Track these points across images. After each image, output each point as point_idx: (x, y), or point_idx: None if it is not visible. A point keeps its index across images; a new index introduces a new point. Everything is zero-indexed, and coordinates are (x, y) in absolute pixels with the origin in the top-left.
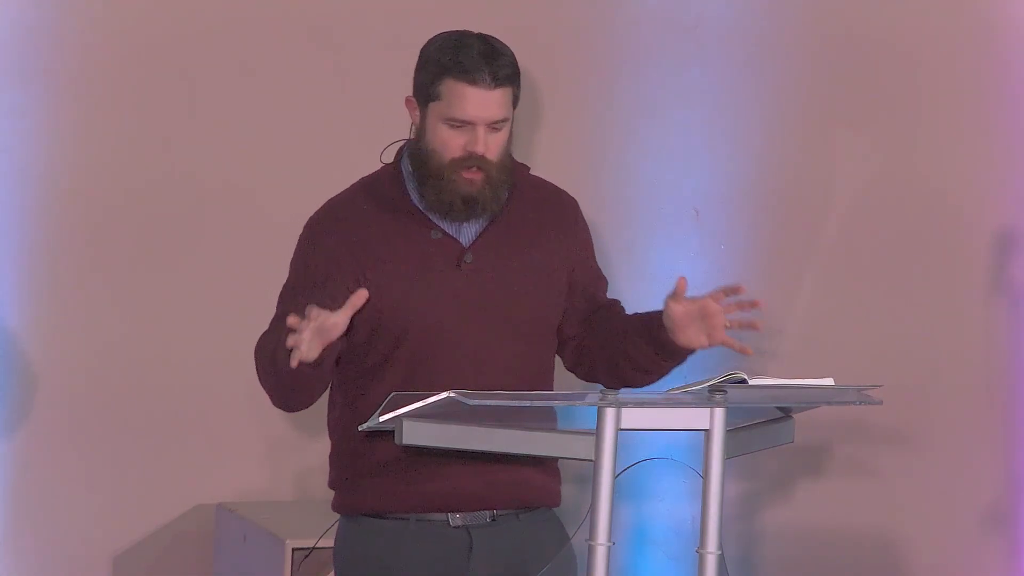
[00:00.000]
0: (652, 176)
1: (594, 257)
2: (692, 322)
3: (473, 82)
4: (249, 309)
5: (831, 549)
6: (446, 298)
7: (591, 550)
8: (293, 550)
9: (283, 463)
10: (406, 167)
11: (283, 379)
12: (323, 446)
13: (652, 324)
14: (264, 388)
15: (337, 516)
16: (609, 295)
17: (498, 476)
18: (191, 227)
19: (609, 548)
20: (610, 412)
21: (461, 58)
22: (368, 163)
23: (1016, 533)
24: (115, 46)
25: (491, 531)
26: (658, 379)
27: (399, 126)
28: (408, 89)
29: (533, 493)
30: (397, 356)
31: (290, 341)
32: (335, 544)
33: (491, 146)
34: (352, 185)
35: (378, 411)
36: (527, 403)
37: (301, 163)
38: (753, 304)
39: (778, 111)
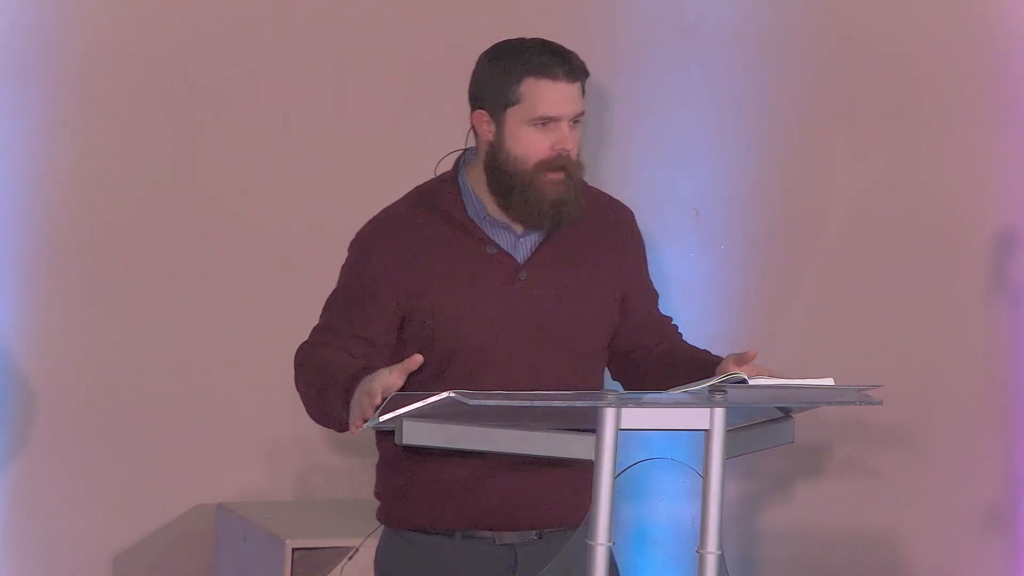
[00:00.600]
0: (652, 176)
1: (647, 270)
2: None
3: (555, 78)
4: (249, 310)
5: (831, 549)
6: (500, 315)
7: (591, 550)
8: (293, 550)
9: (283, 463)
10: (463, 181)
11: (331, 419)
12: (322, 447)
13: (703, 368)
14: (305, 405)
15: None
16: None
17: (545, 494)
18: (191, 228)
19: (609, 548)
20: (610, 412)
21: (537, 58)
22: (368, 177)
23: (1016, 533)
24: (115, 46)
25: (536, 549)
26: None
27: (400, 139)
28: (401, 100)
29: (580, 513)
30: (449, 374)
31: (355, 421)
32: (377, 554)
33: (572, 144)
34: (407, 195)
35: (378, 411)
36: (527, 403)
37: (302, 171)
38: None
39: (778, 111)
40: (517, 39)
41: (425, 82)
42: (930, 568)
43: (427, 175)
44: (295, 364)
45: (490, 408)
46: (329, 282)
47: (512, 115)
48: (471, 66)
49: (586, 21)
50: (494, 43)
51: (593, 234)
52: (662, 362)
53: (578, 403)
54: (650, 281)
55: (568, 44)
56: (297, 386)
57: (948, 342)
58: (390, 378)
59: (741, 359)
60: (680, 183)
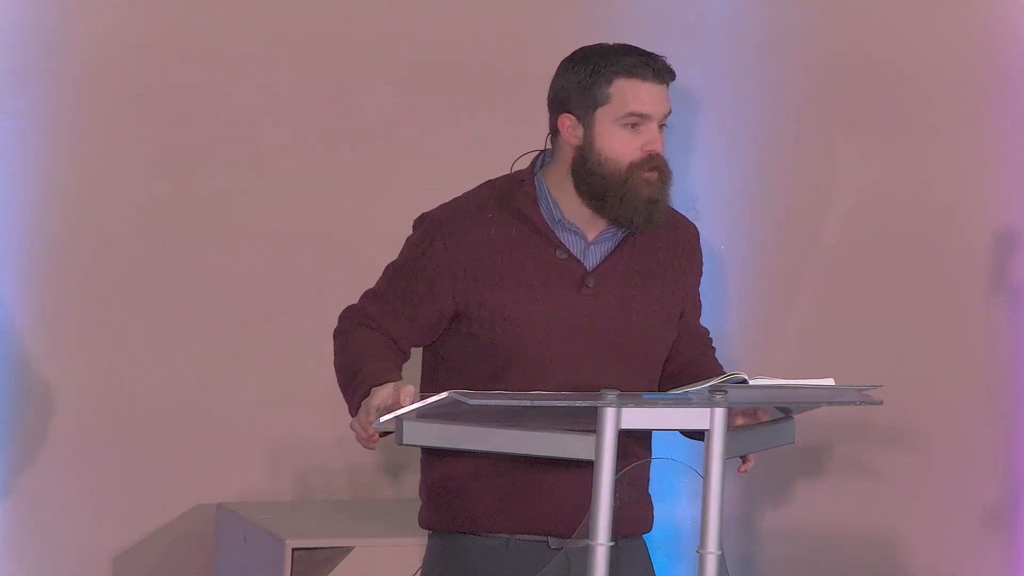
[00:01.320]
0: None
1: (697, 290)
2: None
3: (645, 78)
4: (249, 310)
5: (831, 549)
6: (563, 322)
7: (591, 550)
8: (293, 550)
9: (283, 463)
10: (540, 181)
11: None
12: (322, 447)
13: None
14: (336, 370)
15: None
16: None
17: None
18: (193, 229)
19: (609, 548)
20: (610, 412)
21: (626, 58)
22: (369, 183)
23: (1016, 533)
24: (115, 47)
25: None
26: None
27: (402, 145)
28: (401, 112)
29: (632, 524)
30: (506, 376)
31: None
32: (424, 561)
33: (661, 146)
34: (478, 188)
35: (378, 411)
36: (527, 403)
37: (302, 173)
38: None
39: (778, 111)
40: (599, 44)
41: (428, 88)
42: (930, 568)
43: (433, 181)
44: (338, 328)
45: (490, 408)
46: (328, 285)
47: (601, 116)
48: (480, 71)
49: (586, 21)
50: (575, 49)
51: (661, 249)
52: (685, 372)
53: (578, 403)
54: (699, 294)
55: (567, 45)
56: (335, 346)
57: (948, 342)
58: (393, 397)
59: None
60: (680, 183)
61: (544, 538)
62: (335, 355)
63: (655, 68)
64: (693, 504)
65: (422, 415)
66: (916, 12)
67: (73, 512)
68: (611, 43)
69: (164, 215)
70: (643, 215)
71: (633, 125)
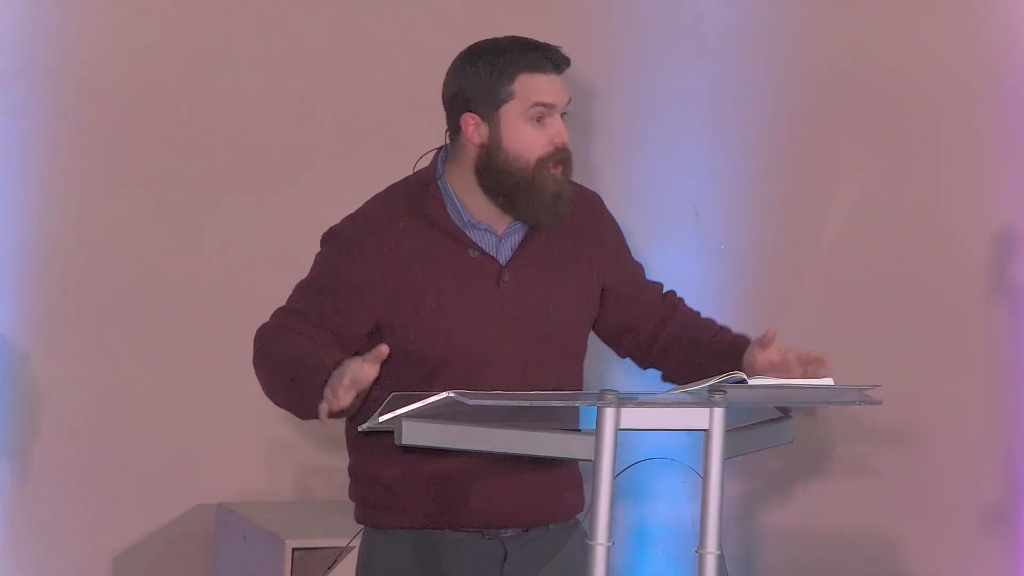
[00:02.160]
0: (652, 176)
1: (626, 248)
2: (770, 372)
3: (545, 70)
4: (249, 310)
5: (831, 549)
6: (486, 319)
7: (590, 550)
8: (293, 550)
9: (283, 463)
10: (444, 184)
11: (299, 404)
12: (322, 447)
13: (729, 358)
14: (264, 385)
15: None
16: None
17: (533, 494)
18: (192, 229)
19: (609, 548)
20: (609, 412)
21: (524, 55)
22: (370, 185)
23: (1016, 533)
24: (115, 46)
25: (524, 539)
26: None
27: (399, 151)
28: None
29: (564, 508)
30: (438, 381)
31: (329, 403)
32: (360, 556)
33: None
34: (384, 195)
35: (378, 411)
36: (527, 403)
37: (302, 173)
38: (822, 363)
39: (778, 111)
40: (489, 40)
41: (425, 80)
42: (930, 568)
43: None
44: (256, 343)
45: (488, 408)
46: None
47: (507, 112)
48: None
49: (586, 21)
50: (466, 46)
51: (568, 228)
52: (682, 347)
53: (578, 403)
54: (631, 257)
55: (568, 44)
56: (257, 365)
57: (948, 342)
58: (363, 367)
59: (764, 343)
60: (680, 183)
61: (479, 530)
62: (262, 365)
63: (554, 60)
64: (693, 504)
65: (421, 415)
66: (915, 13)
67: (73, 512)
68: (501, 37)
69: (164, 215)
70: (550, 212)
71: (539, 118)
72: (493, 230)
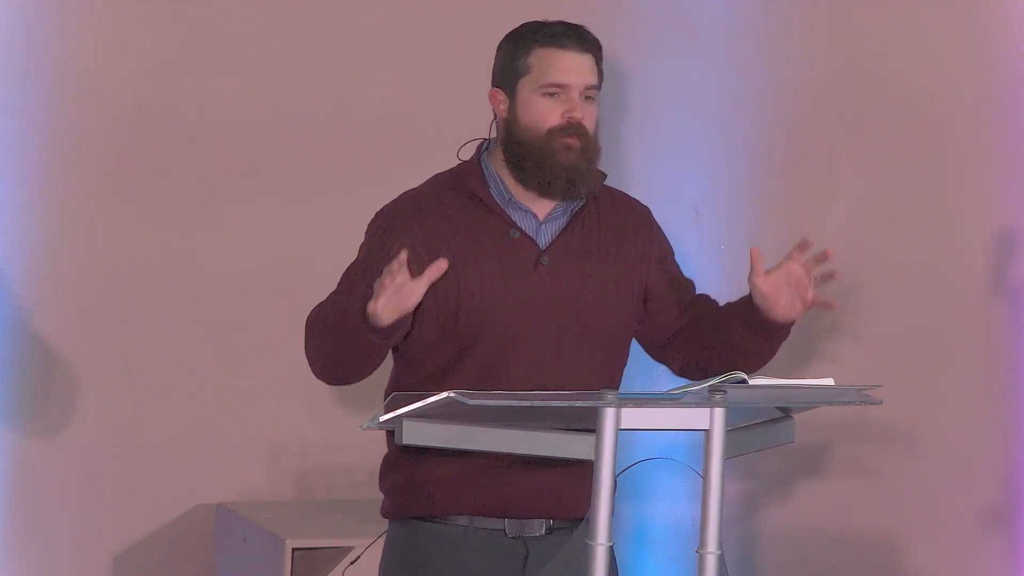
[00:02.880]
0: (652, 176)
1: (673, 261)
2: (782, 293)
3: (563, 46)
4: (249, 310)
5: (831, 549)
6: (521, 300)
7: (590, 550)
8: (293, 550)
9: (283, 463)
10: (487, 164)
11: (347, 343)
12: (322, 447)
13: (746, 309)
14: (315, 358)
15: (385, 523)
16: None
17: (560, 484)
18: (191, 227)
19: (608, 548)
20: (610, 412)
21: (545, 29)
22: (372, 186)
23: (1016, 533)
24: (115, 46)
25: (546, 542)
26: (769, 358)
27: (403, 153)
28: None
29: (587, 505)
30: (470, 358)
31: (377, 292)
32: (384, 550)
33: (586, 116)
34: (429, 180)
35: (379, 411)
36: (527, 403)
37: (301, 173)
38: (826, 255)
39: (778, 111)
40: (529, 22)
41: (429, 77)
42: (930, 568)
43: None
44: (308, 324)
45: (490, 408)
46: (329, 285)
47: (523, 85)
48: (475, 67)
49: (586, 21)
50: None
51: (611, 228)
52: (706, 327)
53: (578, 403)
54: (679, 270)
55: None
56: (307, 347)
57: (948, 342)
58: (412, 280)
59: (754, 271)
60: (680, 183)
61: (501, 521)
62: (310, 340)
63: (575, 38)
64: (693, 504)
65: (421, 415)
66: (915, 13)
67: (73, 512)
68: (543, 20)
69: (163, 215)
70: (562, 183)
71: (553, 94)
72: (533, 212)
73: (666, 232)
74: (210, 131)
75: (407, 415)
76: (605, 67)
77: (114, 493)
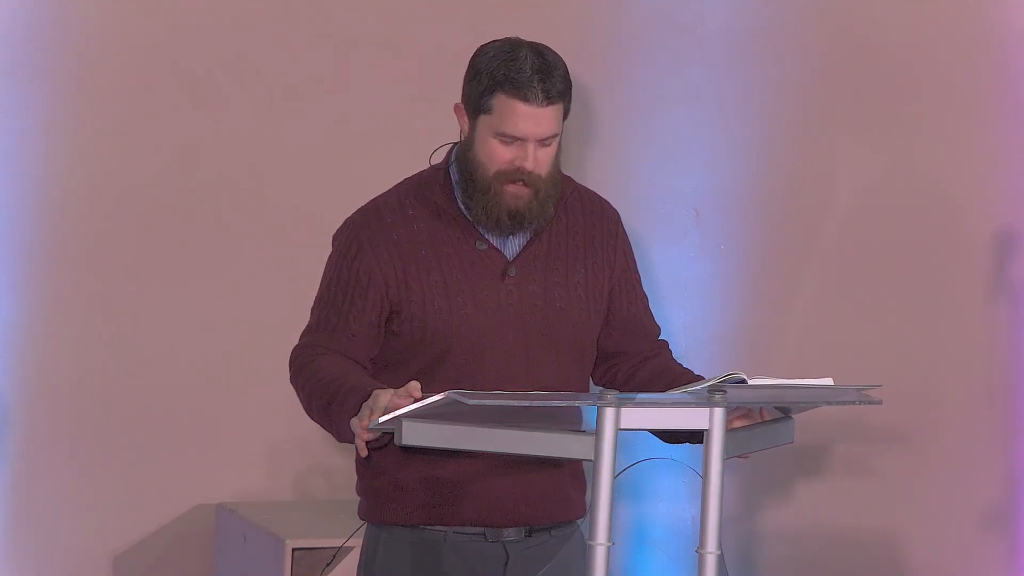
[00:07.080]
0: (652, 176)
1: (635, 272)
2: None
3: (525, 99)
4: (249, 309)
5: (831, 549)
6: (491, 311)
7: (590, 550)
8: (293, 550)
9: (283, 463)
10: (454, 173)
11: (340, 436)
12: (322, 447)
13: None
14: (303, 406)
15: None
16: None
17: (537, 490)
18: (190, 227)
19: (609, 548)
20: (610, 412)
21: (513, 74)
22: (372, 176)
23: (1016, 533)
24: (115, 46)
25: (526, 545)
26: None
27: (402, 127)
28: (403, 90)
29: (568, 508)
30: (440, 370)
31: (359, 441)
32: (362, 553)
33: (540, 161)
34: (396, 186)
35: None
36: (526, 403)
37: (302, 165)
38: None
39: (778, 111)
40: (511, 44)
41: (429, 74)
42: (930, 568)
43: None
44: (292, 366)
45: (488, 408)
46: None
47: (482, 122)
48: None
49: (586, 21)
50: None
51: (581, 231)
52: (655, 379)
53: (578, 403)
54: (639, 284)
55: (568, 44)
56: (296, 387)
57: (948, 342)
58: (395, 400)
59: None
60: (680, 183)
61: (482, 530)
62: (301, 390)
63: (540, 91)
64: (693, 504)
65: (421, 415)
66: (916, 10)
67: (73, 512)
68: (519, 44)
69: (163, 215)
70: (507, 226)
71: (507, 143)
72: None
73: (666, 232)
74: (213, 127)
75: (406, 416)
76: (606, 67)
77: (114, 493)
